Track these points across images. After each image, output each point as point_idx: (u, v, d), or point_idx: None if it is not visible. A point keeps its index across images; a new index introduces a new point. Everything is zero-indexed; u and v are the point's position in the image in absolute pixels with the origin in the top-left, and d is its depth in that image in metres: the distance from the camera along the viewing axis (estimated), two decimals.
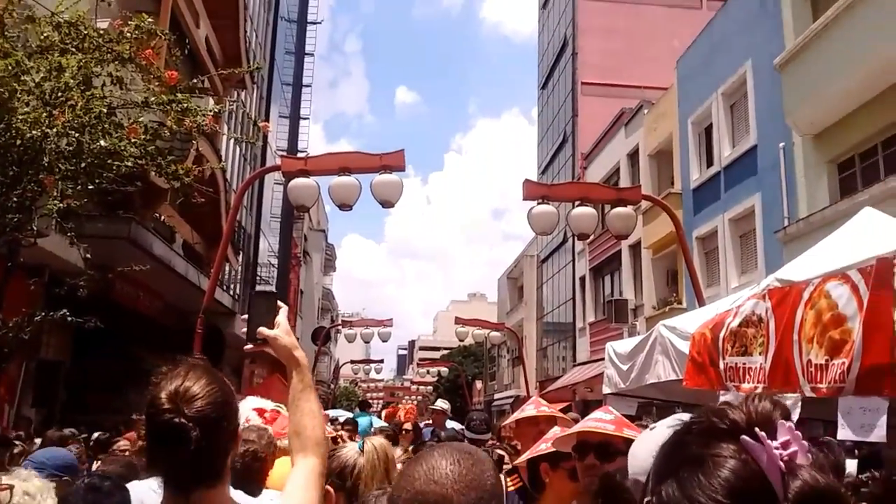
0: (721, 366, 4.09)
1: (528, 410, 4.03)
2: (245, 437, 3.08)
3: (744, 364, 3.87)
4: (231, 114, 21.81)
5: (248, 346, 2.03)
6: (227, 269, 21.90)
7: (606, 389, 6.51)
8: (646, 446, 1.68)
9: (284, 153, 32.03)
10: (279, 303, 2.08)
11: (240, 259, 24.10)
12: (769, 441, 0.78)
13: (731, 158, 17.45)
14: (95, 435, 8.98)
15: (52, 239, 7.81)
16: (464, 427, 8.30)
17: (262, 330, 2.00)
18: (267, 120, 28.91)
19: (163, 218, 10.20)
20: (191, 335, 9.02)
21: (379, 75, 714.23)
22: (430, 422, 11.09)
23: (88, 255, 7.57)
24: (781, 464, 0.77)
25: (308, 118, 41.30)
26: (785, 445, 0.79)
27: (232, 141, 22.87)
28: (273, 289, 33.27)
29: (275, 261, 33.95)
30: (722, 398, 3.90)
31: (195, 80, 7.08)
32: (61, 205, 4.98)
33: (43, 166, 4.82)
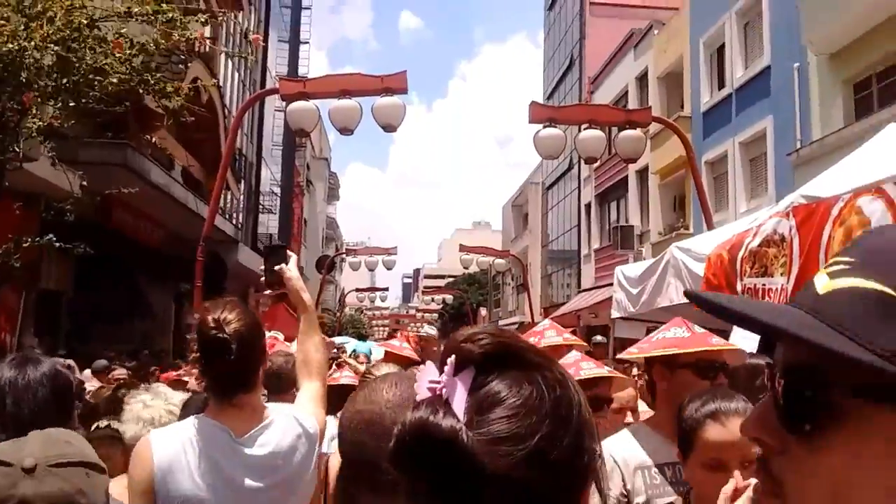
0: (739, 287, 3.91)
1: (552, 337, 3.64)
2: (272, 359, 3.65)
3: (763, 285, 3.68)
4: (228, 38, 21.24)
5: (268, 292, 2.58)
6: (228, 197, 21.68)
7: (615, 313, 6.36)
8: None
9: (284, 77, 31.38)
10: (289, 252, 2.58)
11: (241, 187, 23.85)
12: (429, 372, 0.77)
13: (744, 80, 16.97)
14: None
15: (47, 167, 7.58)
16: None
17: (283, 267, 2.51)
18: (266, 43, 28.21)
19: (155, 140, 9.85)
20: (192, 264, 8.88)
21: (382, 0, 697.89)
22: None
23: (84, 182, 7.37)
24: (422, 395, 0.76)
25: (308, 42, 40.42)
26: (440, 380, 0.76)
27: (230, 66, 22.36)
28: (276, 217, 33.13)
29: (277, 189, 33.68)
30: None
31: None
32: (41, 123, 4.73)
33: (22, 82, 4.55)
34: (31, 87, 4.66)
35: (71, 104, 4.89)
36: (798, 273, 3.36)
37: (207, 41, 5.92)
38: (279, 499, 2.12)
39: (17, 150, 5.10)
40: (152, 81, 5.23)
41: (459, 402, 0.74)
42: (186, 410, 2.83)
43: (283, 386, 3.66)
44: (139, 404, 2.90)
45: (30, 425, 1.74)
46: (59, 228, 6.42)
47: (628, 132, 9.94)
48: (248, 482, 2.05)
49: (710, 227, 9.38)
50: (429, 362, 0.79)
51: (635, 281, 5.79)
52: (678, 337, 2.58)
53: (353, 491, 1.19)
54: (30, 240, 5.46)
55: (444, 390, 0.75)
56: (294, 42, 38.58)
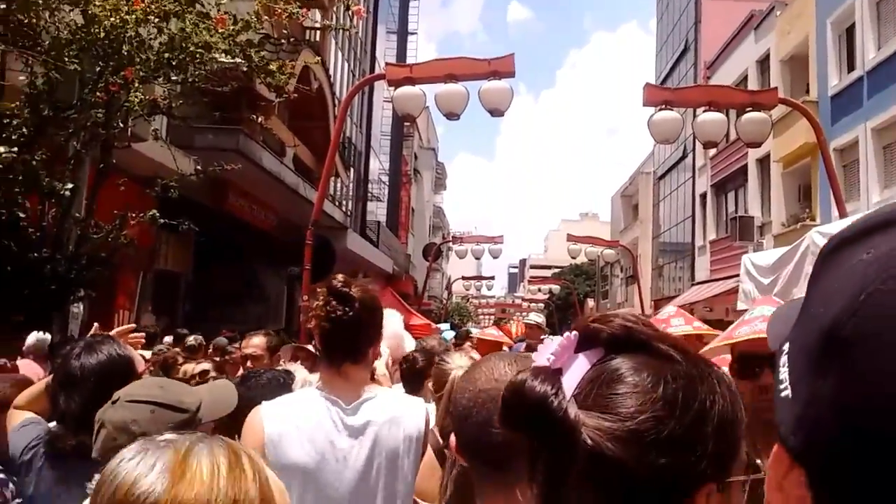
0: None
1: (679, 326, 3.19)
2: (422, 346, 3.83)
3: None
4: (337, 30, 21.56)
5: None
6: (338, 184, 22.07)
7: (742, 305, 5.93)
8: None
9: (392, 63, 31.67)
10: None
11: (350, 175, 24.24)
12: (548, 347, 0.80)
13: (876, 62, 15.76)
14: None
15: (159, 149, 7.84)
16: None
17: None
18: (374, 35, 28.55)
19: (264, 123, 9.97)
20: (302, 249, 9.01)
21: None
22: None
23: (199, 167, 7.56)
24: (539, 363, 0.79)
25: (416, 33, 40.68)
26: (558, 356, 0.79)
27: (340, 56, 22.72)
28: (385, 205, 33.55)
29: (386, 178, 34.10)
30: None
31: None
32: (144, 97, 4.81)
33: (124, 56, 4.63)
34: (134, 61, 4.74)
35: (173, 78, 4.95)
36: None
37: (315, 25, 5.89)
38: (384, 467, 2.16)
39: (122, 125, 5.21)
40: (256, 59, 5.25)
41: (574, 375, 0.77)
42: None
43: (418, 378, 3.60)
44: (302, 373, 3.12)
45: (82, 414, 2.13)
46: (178, 212, 6.60)
47: (752, 114, 9.34)
48: (355, 451, 2.13)
49: (844, 216, 8.70)
50: (556, 337, 0.82)
51: (767, 270, 5.36)
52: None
53: (474, 468, 1.22)
54: (134, 215, 5.60)
55: (557, 361, 0.78)
56: (402, 33, 38.93)
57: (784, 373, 0.54)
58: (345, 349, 2.22)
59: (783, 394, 0.53)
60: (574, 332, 0.80)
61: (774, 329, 0.76)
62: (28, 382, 3.37)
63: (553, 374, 0.76)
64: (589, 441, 0.71)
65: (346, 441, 2.14)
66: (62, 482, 2.25)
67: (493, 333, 7.65)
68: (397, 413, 2.23)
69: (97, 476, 1.03)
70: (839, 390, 0.47)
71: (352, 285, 2.23)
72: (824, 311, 0.50)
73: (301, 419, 2.12)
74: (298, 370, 3.19)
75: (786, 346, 0.56)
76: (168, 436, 1.04)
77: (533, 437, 0.76)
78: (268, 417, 2.11)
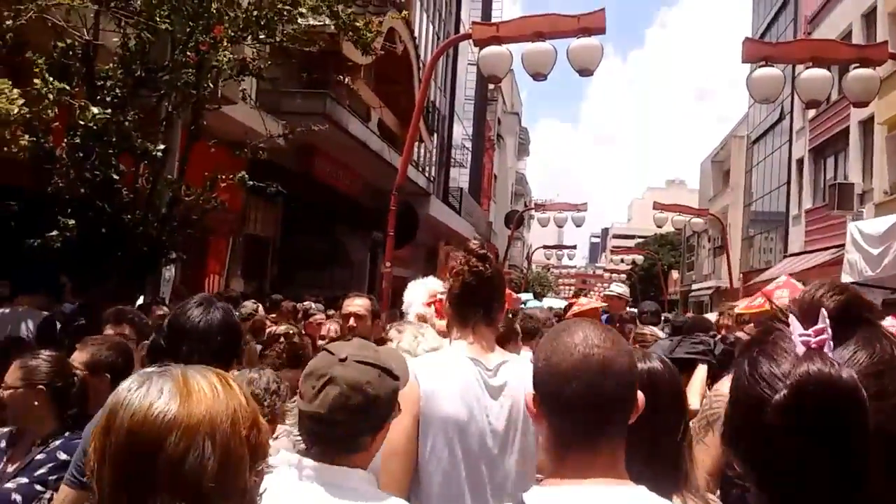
0: None
1: (783, 298, 2.99)
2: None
3: None
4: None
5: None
6: (421, 150, 22.02)
7: (847, 278, 5.54)
8: None
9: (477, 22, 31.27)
10: None
11: (434, 140, 24.16)
12: (797, 325, 0.82)
13: None
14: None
15: (249, 112, 7.90)
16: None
17: None
18: None
19: (353, 86, 9.94)
20: (386, 214, 9.03)
21: None
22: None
23: (287, 131, 7.59)
24: (800, 349, 0.81)
25: None
26: (818, 332, 0.80)
27: (425, 18, 22.54)
28: (467, 171, 33.41)
29: (469, 144, 33.89)
30: None
31: None
32: (234, 56, 4.78)
33: (213, 14, 4.60)
34: (222, 19, 4.71)
35: (262, 38, 4.90)
36: None
37: None
38: (519, 427, 2.31)
39: (212, 86, 5.21)
40: (343, 17, 5.16)
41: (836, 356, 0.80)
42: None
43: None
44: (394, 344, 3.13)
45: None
46: (266, 177, 6.63)
47: (859, 71, 8.72)
48: (496, 409, 2.30)
49: None
50: (791, 317, 0.85)
51: (876, 239, 4.98)
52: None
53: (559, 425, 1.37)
54: (223, 177, 5.63)
55: (821, 342, 0.80)
56: None
57: None
58: (486, 306, 2.40)
59: None
60: (823, 311, 0.83)
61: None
62: (124, 346, 3.41)
63: (831, 358, 0.79)
64: (877, 424, 0.75)
65: (489, 400, 2.30)
66: None
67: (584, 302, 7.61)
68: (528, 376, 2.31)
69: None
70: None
71: (488, 250, 2.45)
72: None
73: (451, 378, 2.29)
74: (428, 330, 3.29)
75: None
76: (153, 368, 1.19)
77: (829, 425, 0.75)
78: (422, 375, 2.25)
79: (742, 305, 7.81)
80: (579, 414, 1.32)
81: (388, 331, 3.36)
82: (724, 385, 2.91)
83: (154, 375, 1.14)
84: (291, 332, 4.28)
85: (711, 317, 8.03)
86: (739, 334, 5.01)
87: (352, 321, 4.13)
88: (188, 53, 4.89)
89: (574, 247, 45.66)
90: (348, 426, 1.75)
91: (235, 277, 12.03)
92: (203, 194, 5.55)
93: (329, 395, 1.73)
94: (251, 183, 5.89)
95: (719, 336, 4.65)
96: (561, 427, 1.35)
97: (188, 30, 4.81)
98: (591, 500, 1.26)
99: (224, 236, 11.02)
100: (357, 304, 4.24)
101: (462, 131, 32.33)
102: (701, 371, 3.67)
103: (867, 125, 20.61)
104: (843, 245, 19.95)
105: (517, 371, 2.35)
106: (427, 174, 23.00)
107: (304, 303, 9.29)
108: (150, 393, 1.10)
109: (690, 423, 3.10)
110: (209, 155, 6.04)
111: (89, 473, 1.11)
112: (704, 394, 3.41)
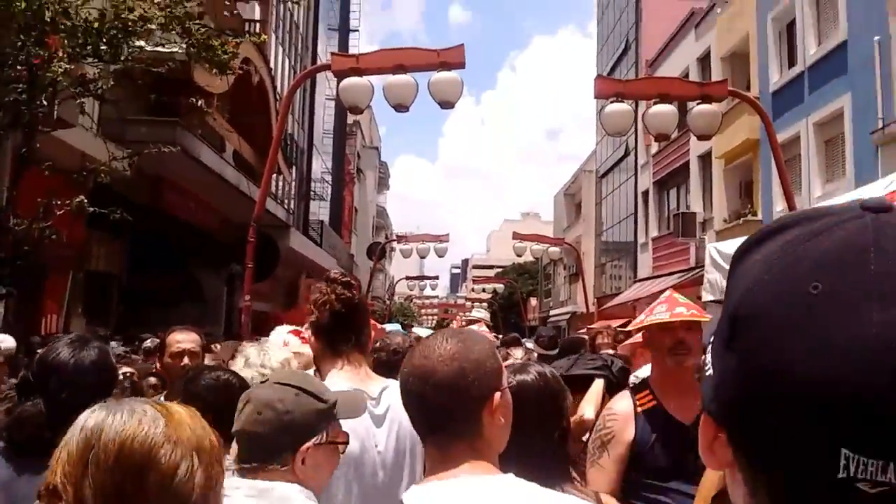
0: None
1: (662, 314, 2.72)
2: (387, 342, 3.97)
3: None
4: (278, 24, 21.02)
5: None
6: (280, 182, 21.50)
7: (707, 296, 5.76)
8: None
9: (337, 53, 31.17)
10: None
11: (293, 173, 23.66)
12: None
13: (817, 57, 16.00)
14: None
15: (92, 140, 7.30)
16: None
17: None
18: (315, 31, 28.00)
19: (205, 110, 9.44)
20: (244, 247, 8.60)
21: None
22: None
23: (133, 160, 7.06)
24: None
25: (357, 31, 40.17)
26: None
27: (281, 51, 22.14)
28: (328, 204, 32.99)
29: (328, 177, 33.54)
30: None
31: None
32: (69, 66, 4.34)
33: (47, 23, 4.17)
34: (58, 29, 4.26)
35: (103, 53, 4.47)
36: None
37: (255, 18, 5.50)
38: (408, 451, 2.27)
39: (43, 102, 4.71)
40: (197, 35, 4.82)
41: None
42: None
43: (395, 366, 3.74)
44: (242, 360, 3.04)
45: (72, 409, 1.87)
46: (110, 204, 6.10)
47: (703, 107, 9.29)
48: (385, 438, 2.25)
49: (793, 209, 8.69)
50: None
51: None
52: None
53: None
54: (58, 203, 5.09)
55: None
56: (344, 30, 38.39)
57: (707, 357, 0.64)
58: (357, 333, 2.37)
59: (707, 373, 0.63)
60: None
61: (708, 329, 0.85)
62: None
63: None
64: None
65: (377, 429, 2.25)
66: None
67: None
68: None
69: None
70: (739, 360, 0.58)
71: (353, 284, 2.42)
72: (729, 301, 0.62)
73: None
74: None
75: (711, 338, 0.65)
76: (115, 401, 1.19)
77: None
78: None
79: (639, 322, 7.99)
80: (414, 418, 1.46)
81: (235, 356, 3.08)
82: (618, 404, 2.82)
83: (123, 404, 1.16)
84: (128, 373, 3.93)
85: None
86: (611, 351, 5.12)
87: (186, 360, 3.58)
88: (18, 67, 4.38)
89: (436, 277, 46.00)
90: (264, 439, 1.80)
91: (76, 317, 11.09)
92: (35, 223, 4.97)
93: (244, 412, 1.82)
94: (91, 209, 5.32)
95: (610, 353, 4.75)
96: (418, 429, 1.46)
97: (19, 43, 4.31)
98: (461, 491, 1.32)
99: (62, 272, 10.14)
100: (189, 339, 3.69)
101: (322, 165, 31.95)
102: (597, 384, 3.76)
103: (706, 159, 22.11)
104: (687, 269, 21.35)
105: (398, 394, 2.16)
106: (287, 207, 22.47)
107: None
108: (134, 415, 1.12)
109: (586, 439, 3.06)
110: (44, 182, 5.45)
111: None
112: (599, 407, 3.41)
